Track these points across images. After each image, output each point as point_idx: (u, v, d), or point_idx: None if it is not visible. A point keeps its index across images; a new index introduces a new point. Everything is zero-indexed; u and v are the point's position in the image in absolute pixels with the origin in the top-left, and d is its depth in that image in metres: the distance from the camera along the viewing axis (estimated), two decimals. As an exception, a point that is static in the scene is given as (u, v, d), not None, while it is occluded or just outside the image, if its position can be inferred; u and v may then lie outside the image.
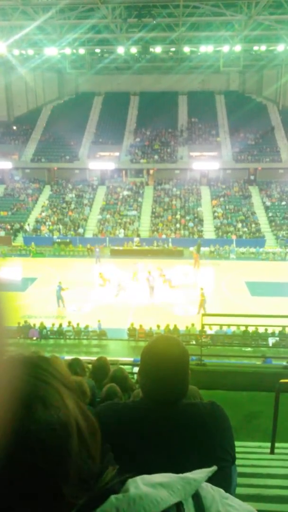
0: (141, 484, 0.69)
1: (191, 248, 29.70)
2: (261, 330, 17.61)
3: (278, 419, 5.00)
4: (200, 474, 0.76)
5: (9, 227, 34.70)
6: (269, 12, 26.58)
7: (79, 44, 32.53)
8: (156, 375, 1.46)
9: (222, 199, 37.01)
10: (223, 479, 1.44)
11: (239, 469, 2.09)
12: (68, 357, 5.37)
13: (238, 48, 31.36)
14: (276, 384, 5.14)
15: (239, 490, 2.85)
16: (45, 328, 19.08)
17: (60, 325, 19.16)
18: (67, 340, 18.83)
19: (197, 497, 0.74)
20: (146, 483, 0.70)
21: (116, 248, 31.41)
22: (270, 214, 35.06)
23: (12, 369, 0.68)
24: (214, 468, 0.79)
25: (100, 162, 39.83)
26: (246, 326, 16.24)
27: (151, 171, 40.40)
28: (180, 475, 0.75)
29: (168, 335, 1.65)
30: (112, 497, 0.67)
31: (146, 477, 0.73)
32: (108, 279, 24.38)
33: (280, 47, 32.25)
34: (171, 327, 18.13)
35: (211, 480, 0.77)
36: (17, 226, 34.90)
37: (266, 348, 16.92)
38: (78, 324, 19.16)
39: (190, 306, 21.29)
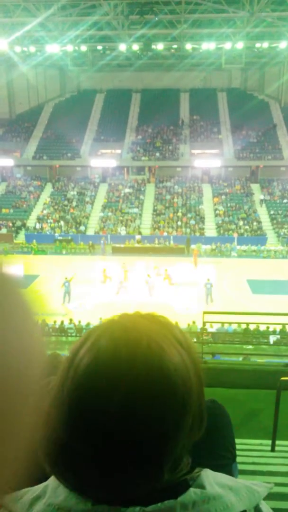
0: (214, 483, 0.69)
1: (193, 246, 29.71)
2: (262, 328, 17.62)
3: (279, 417, 5.01)
4: (262, 488, 0.73)
5: (10, 224, 34.72)
6: (271, 8, 26.48)
7: (81, 41, 32.47)
8: None
9: (223, 196, 36.96)
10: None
11: (240, 467, 2.10)
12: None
13: (240, 45, 31.25)
14: (277, 382, 5.15)
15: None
16: (46, 325, 19.10)
17: (62, 323, 19.19)
18: (68, 338, 18.85)
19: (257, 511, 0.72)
20: (217, 483, 0.69)
21: (117, 245, 31.41)
22: (271, 212, 34.99)
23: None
24: (272, 485, 0.77)
25: (102, 160, 39.80)
26: (247, 324, 16.25)
27: (152, 169, 40.36)
28: (242, 482, 0.73)
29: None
30: (191, 490, 0.66)
31: (214, 475, 0.72)
32: (110, 276, 24.40)
33: (282, 44, 32.14)
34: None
35: None
36: (18, 223, 34.91)
37: (267, 346, 16.92)
38: (79, 322, 19.21)
39: (191, 303, 21.29)
